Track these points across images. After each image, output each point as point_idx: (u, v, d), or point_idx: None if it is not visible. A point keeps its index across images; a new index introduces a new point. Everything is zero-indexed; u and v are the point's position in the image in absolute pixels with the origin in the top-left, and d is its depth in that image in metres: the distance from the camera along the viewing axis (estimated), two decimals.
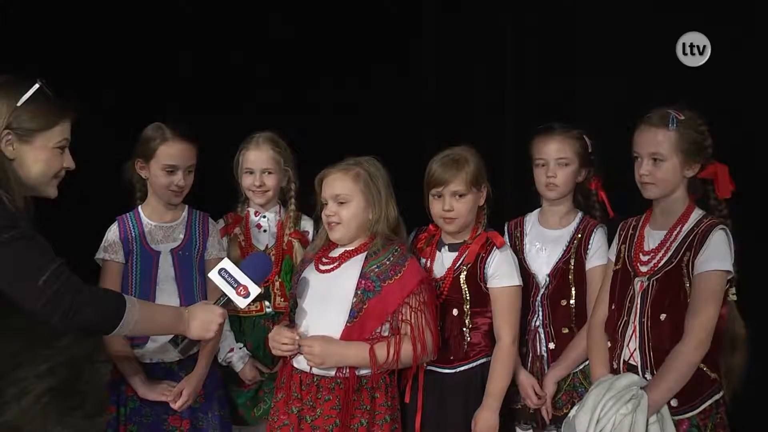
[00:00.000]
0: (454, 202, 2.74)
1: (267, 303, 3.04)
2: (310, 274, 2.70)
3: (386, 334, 2.60)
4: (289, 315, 2.79)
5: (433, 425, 2.73)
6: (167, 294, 2.89)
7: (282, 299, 3.03)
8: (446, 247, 2.82)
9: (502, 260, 2.75)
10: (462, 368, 2.76)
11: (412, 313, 2.58)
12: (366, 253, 2.64)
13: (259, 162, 3.07)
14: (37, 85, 2.25)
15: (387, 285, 2.58)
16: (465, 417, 2.72)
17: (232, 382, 3.07)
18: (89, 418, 4.61)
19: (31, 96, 2.23)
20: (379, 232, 2.65)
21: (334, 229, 2.66)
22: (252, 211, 3.15)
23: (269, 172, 3.07)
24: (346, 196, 2.63)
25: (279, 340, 2.61)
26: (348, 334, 2.57)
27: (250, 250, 3.06)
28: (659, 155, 2.52)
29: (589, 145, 2.87)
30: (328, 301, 2.62)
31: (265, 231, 3.12)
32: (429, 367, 2.74)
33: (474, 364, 2.76)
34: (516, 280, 2.75)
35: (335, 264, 2.66)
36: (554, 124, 2.88)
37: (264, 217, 3.14)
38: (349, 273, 2.62)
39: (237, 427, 3.13)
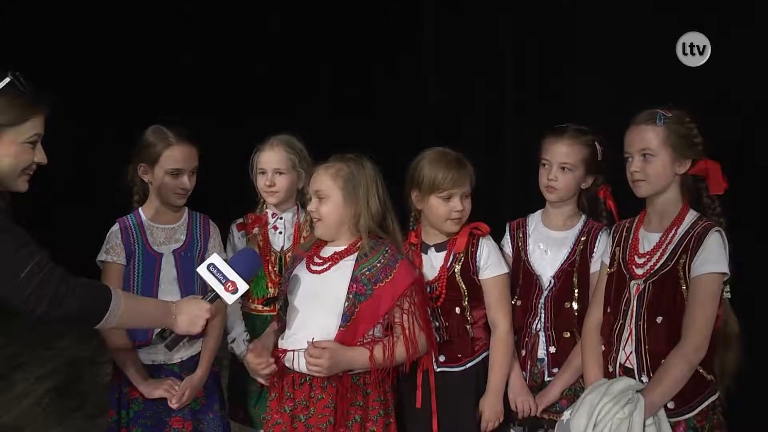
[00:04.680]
0: (465, 204, 2.76)
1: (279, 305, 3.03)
2: (302, 273, 2.70)
3: (379, 335, 2.61)
4: (278, 313, 2.77)
5: (445, 424, 2.74)
6: (170, 295, 2.87)
7: None
8: (432, 248, 2.82)
9: (490, 250, 2.79)
10: (471, 364, 2.78)
11: (404, 315, 2.59)
12: (356, 255, 2.64)
13: (270, 162, 3.07)
14: (7, 79, 2.19)
15: (378, 288, 2.59)
16: (475, 413, 2.76)
17: (245, 384, 3.07)
18: (90, 419, 4.62)
19: (1, 89, 2.17)
20: (364, 230, 2.64)
21: (315, 225, 2.68)
22: (270, 212, 3.15)
23: (280, 173, 3.06)
24: (325, 192, 2.64)
25: (259, 369, 2.64)
26: (342, 338, 2.57)
27: (267, 250, 3.07)
28: (649, 150, 2.53)
29: (600, 153, 2.85)
30: (319, 302, 2.62)
31: (280, 233, 3.12)
32: (440, 369, 2.76)
33: (479, 358, 2.79)
34: (505, 268, 2.81)
35: (326, 265, 2.66)
36: (570, 126, 2.85)
37: (280, 218, 3.14)
38: (341, 276, 2.62)
39: (242, 426, 3.14)
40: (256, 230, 3.10)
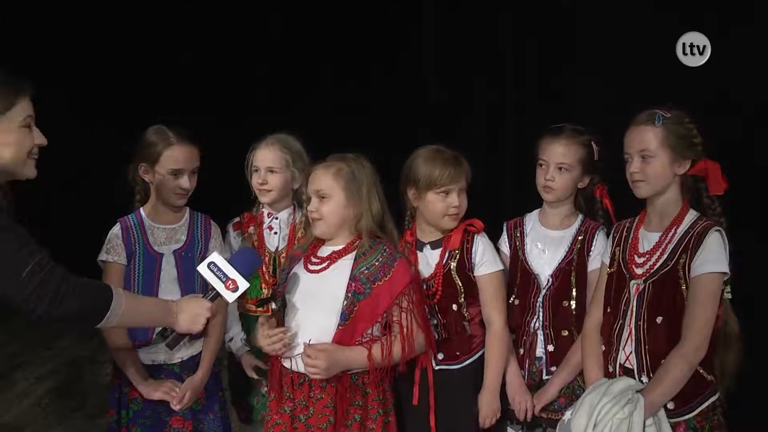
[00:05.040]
0: (461, 199, 2.78)
1: (274, 305, 3.03)
2: (300, 273, 2.70)
3: (377, 334, 2.62)
4: (276, 314, 2.76)
5: (444, 421, 2.75)
6: (170, 295, 2.86)
7: None
8: (427, 246, 2.84)
9: (485, 247, 2.81)
10: (468, 361, 2.80)
11: (402, 313, 2.60)
12: (354, 253, 2.64)
13: (264, 161, 3.07)
14: None
15: (377, 286, 2.59)
16: (474, 410, 2.77)
17: (245, 383, 3.08)
18: (90, 419, 4.62)
19: None
20: (364, 230, 2.65)
21: (315, 225, 2.67)
22: (265, 212, 3.15)
23: (273, 171, 3.06)
24: (326, 191, 2.63)
25: (270, 341, 2.59)
26: (340, 337, 2.57)
27: (261, 250, 3.06)
28: (647, 152, 2.53)
29: (596, 152, 2.87)
30: (317, 301, 2.62)
31: (275, 233, 3.11)
32: (439, 367, 2.77)
33: (476, 356, 2.81)
34: (500, 265, 2.82)
35: (324, 264, 2.66)
36: (566, 126, 2.87)
37: (276, 218, 3.13)
38: (339, 275, 2.62)
39: (243, 426, 3.16)
40: (251, 229, 3.10)
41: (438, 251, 2.82)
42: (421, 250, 2.84)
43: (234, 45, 5.89)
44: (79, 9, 6.06)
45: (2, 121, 2.20)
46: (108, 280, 2.86)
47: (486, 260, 2.80)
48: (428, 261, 2.83)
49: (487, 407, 2.76)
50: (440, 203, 2.77)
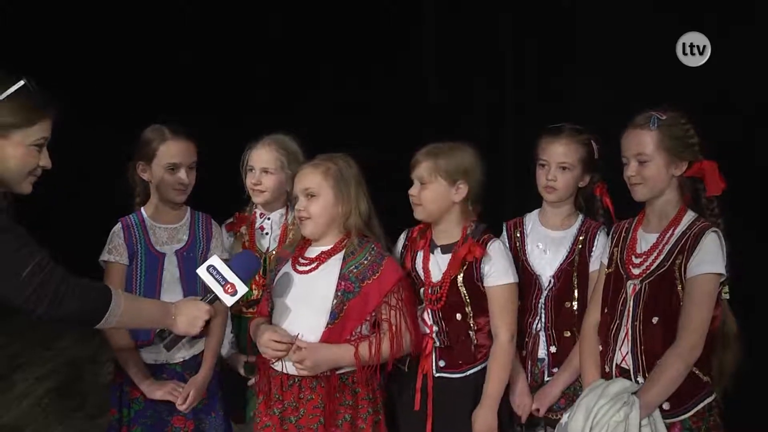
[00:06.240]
0: (421, 191, 2.73)
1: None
2: (288, 273, 2.70)
3: (366, 332, 2.62)
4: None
5: (442, 428, 2.72)
6: (172, 295, 2.87)
7: None
8: (439, 249, 2.79)
9: (498, 257, 2.72)
10: (472, 371, 2.74)
11: (392, 311, 2.60)
12: (343, 253, 2.64)
13: (259, 161, 3.07)
14: (21, 83, 2.22)
15: (366, 285, 2.60)
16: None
17: (236, 383, 3.08)
18: (90, 419, 4.62)
19: (13, 92, 2.20)
20: (353, 228, 2.65)
21: (304, 224, 2.67)
22: (258, 212, 3.15)
23: (267, 172, 3.05)
24: (315, 190, 2.63)
25: (272, 345, 2.58)
26: (329, 336, 2.57)
27: (252, 251, 3.05)
28: (643, 155, 2.53)
29: (596, 151, 2.86)
30: (307, 302, 2.62)
31: (267, 234, 3.11)
32: (439, 374, 2.73)
33: (482, 365, 2.73)
34: (511, 277, 2.72)
35: (313, 265, 2.66)
36: (565, 125, 2.86)
37: (268, 219, 3.13)
38: (328, 274, 2.62)
39: (240, 426, 3.16)
40: (242, 230, 3.10)
41: (447, 257, 2.76)
42: (433, 252, 2.80)
43: (234, 45, 5.88)
44: (80, 9, 6.06)
45: (17, 135, 2.22)
46: (110, 280, 2.86)
47: (495, 271, 2.70)
48: (439, 265, 2.78)
49: (483, 423, 2.66)
50: (412, 189, 2.78)
